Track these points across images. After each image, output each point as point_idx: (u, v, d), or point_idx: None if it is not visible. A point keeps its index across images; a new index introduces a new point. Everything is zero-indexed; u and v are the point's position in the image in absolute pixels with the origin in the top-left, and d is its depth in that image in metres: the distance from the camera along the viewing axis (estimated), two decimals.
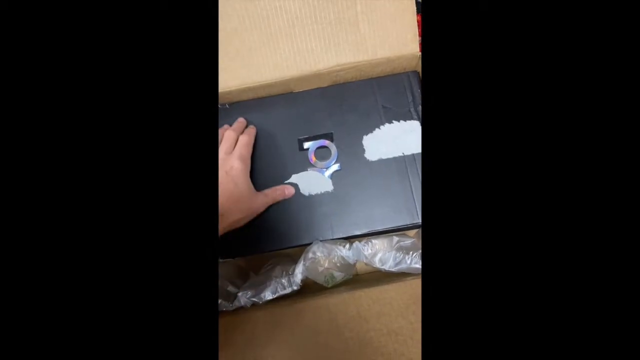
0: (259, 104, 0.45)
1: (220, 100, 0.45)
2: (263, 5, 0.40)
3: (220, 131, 0.42)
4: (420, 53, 0.41)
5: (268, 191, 0.42)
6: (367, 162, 0.42)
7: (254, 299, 0.41)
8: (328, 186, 0.42)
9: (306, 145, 0.43)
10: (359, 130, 0.43)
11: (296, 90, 0.45)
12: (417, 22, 0.40)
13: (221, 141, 0.41)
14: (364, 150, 0.42)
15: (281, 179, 0.43)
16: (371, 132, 0.43)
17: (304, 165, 0.43)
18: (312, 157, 0.43)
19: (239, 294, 0.41)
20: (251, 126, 0.44)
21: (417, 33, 0.40)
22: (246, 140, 0.42)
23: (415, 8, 0.40)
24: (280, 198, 0.42)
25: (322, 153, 0.43)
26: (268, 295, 0.41)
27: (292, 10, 0.40)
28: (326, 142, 0.43)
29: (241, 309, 0.41)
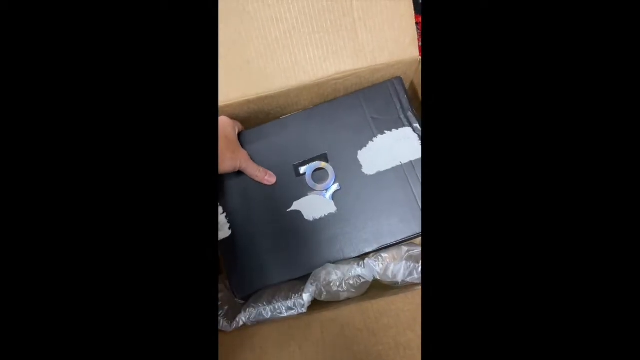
0: (246, 137, 0.43)
1: (222, 112, 0.43)
2: (259, 17, 0.39)
3: None
4: (420, 57, 0.41)
5: (253, 163, 0.42)
6: (365, 176, 0.42)
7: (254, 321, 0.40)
8: (331, 208, 0.42)
9: (302, 170, 0.42)
10: (353, 146, 0.42)
11: (297, 99, 0.44)
12: (417, 23, 0.40)
13: None
14: (360, 166, 0.42)
15: (284, 208, 0.42)
16: (365, 146, 0.42)
17: (304, 190, 0.42)
18: (310, 181, 0.42)
19: (241, 316, 0.40)
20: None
21: (416, 37, 0.40)
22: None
23: (413, 12, 0.39)
24: (259, 177, 0.42)
25: (320, 175, 0.42)
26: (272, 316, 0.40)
27: (288, 20, 0.39)
28: (321, 164, 0.42)
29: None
